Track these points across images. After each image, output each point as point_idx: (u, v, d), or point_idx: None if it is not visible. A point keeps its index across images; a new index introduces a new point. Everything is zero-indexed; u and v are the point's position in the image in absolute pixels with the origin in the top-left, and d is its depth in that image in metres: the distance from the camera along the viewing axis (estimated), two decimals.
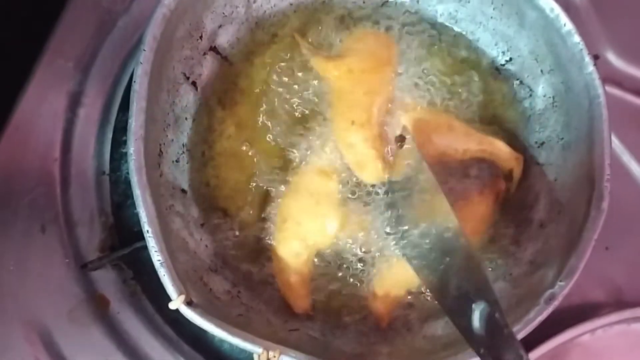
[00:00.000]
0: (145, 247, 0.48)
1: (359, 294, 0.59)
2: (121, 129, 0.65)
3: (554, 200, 0.59)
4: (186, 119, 0.59)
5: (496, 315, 0.45)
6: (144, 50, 0.50)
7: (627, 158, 0.76)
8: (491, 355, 0.45)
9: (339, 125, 0.60)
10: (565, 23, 0.57)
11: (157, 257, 0.47)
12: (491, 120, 0.64)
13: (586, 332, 0.65)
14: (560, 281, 0.52)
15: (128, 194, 0.64)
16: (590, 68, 0.56)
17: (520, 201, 0.62)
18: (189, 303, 0.48)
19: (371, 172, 0.60)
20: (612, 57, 0.79)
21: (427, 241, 0.55)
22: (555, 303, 0.51)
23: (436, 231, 0.54)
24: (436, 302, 0.56)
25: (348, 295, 0.59)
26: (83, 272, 0.62)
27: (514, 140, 0.64)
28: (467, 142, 0.61)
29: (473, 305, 0.47)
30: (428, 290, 0.59)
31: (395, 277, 0.59)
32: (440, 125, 0.61)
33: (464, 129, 0.62)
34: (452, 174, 0.60)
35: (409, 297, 0.60)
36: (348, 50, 0.63)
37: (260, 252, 0.59)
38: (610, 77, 0.78)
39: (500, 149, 0.61)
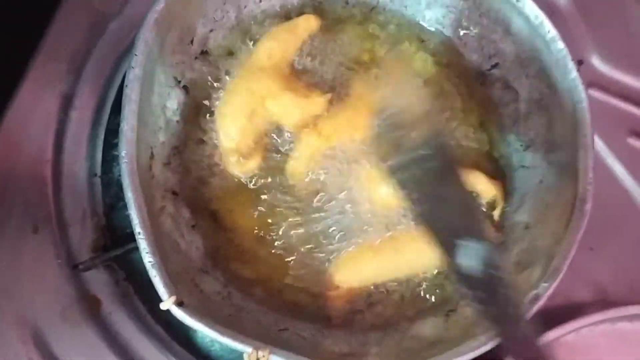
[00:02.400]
0: (137, 248, 0.49)
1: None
2: (113, 131, 0.65)
3: (539, 203, 0.60)
4: (177, 122, 0.60)
5: (486, 255, 0.46)
6: (136, 54, 0.51)
7: (611, 161, 0.76)
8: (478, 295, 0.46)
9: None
10: (549, 30, 0.58)
11: (148, 259, 0.48)
12: (477, 126, 0.65)
13: (571, 331, 0.65)
14: (545, 282, 0.52)
15: (120, 196, 0.64)
16: (574, 74, 0.57)
17: (506, 203, 0.63)
18: (180, 304, 0.48)
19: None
20: (597, 62, 0.80)
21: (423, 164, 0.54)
22: (540, 303, 0.52)
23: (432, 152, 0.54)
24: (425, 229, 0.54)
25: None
26: (75, 273, 0.62)
27: (499, 144, 0.65)
28: None
29: (459, 241, 0.48)
30: (417, 220, 0.57)
31: (356, 266, 0.60)
32: None
33: None
34: None
35: (372, 293, 0.60)
36: None
37: (251, 252, 0.59)
38: (595, 81, 0.79)
39: (479, 181, 0.62)
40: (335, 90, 0.63)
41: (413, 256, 0.59)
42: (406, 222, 0.60)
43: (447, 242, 0.49)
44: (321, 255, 0.60)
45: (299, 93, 0.61)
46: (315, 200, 0.61)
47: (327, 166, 0.61)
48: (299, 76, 0.64)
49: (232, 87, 0.62)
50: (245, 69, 0.62)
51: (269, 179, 0.61)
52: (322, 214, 0.60)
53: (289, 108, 0.61)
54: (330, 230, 0.60)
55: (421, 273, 0.60)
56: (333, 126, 0.61)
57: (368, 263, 0.60)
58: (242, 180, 0.61)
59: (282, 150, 0.62)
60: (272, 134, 0.62)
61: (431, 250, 0.52)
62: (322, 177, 0.61)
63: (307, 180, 0.61)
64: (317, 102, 0.61)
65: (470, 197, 0.52)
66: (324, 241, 0.60)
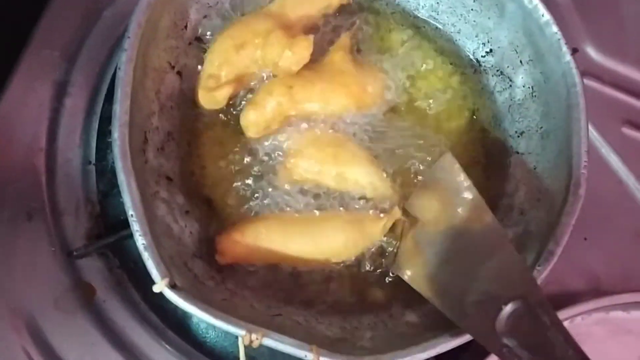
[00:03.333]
0: (131, 236, 0.48)
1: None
2: (107, 119, 0.64)
3: (533, 188, 0.60)
4: (172, 107, 0.59)
5: (534, 309, 0.46)
6: (128, 37, 0.51)
7: (605, 151, 0.77)
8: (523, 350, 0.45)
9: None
10: (543, 14, 0.58)
11: (141, 241, 0.48)
12: (471, 113, 0.66)
13: (565, 319, 0.66)
14: (539, 265, 0.52)
15: (114, 183, 0.63)
16: (568, 57, 0.57)
17: (501, 189, 0.63)
18: (172, 286, 0.48)
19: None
20: (591, 51, 0.80)
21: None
22: None
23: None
24: (447, 316, 0.52)
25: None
26: (69, 261, 0.62)
27: (494, 130, 0.65)
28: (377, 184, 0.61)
29: (503, 307, 0.47)
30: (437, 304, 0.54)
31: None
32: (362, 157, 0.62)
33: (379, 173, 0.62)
34: None
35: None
36: None
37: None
38: (589, 70, 0.79)
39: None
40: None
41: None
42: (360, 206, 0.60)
43: (484, 315, 0.48)
44: None
45: (288, 34, 0.61)
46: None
47: (288, 131, 0.61)
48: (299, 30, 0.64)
49: (230, 24, 0.62)
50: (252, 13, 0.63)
51: None
52: None
53: (275, 45, 0.60)
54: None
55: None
56: (306, 94, 0.60)
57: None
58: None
59: None
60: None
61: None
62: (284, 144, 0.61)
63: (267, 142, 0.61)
64: (302, 43, 0.60)
65: (511, 251, 0.51)
66: None
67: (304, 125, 0.61)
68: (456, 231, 0.55)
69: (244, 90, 0.62)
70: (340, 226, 0.59)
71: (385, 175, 0.61)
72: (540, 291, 0.48)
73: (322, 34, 0.66)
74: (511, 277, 0.50)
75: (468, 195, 0.55)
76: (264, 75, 0.62)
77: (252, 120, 0.59)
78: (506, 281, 0.50)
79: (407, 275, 0.57)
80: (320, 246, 0.58)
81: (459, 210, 0.55)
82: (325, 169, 0.60)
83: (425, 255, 0.56)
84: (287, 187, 0.60)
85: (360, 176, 0.60)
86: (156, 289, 0.47)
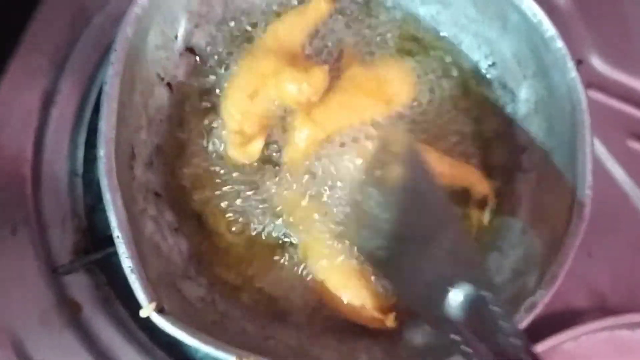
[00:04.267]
0: None
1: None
2: (95, 130, 0.60)
3: (536, 206, 0.59)
4: (160, 120, 0.58)
5: (483, 295, 0.44)
6: (115, 50, 0.49)
7: (610, 164, 0.75)
8: (475, 340, 0.44)
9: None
10: (548, 28, 0.56)
11: (127, 263, 0.46)
12: (473, 127, 0.63)
13: (570, 339, 0.64)
14: (541, 288, 0.51)
15: (101, 197, 0.62)
16: (573, 73, 0.55)
17: (503, 207, 0.61)
18: (160, 310, 0.46)
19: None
20: (596, 62, 0.78)
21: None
22: (536, 311, 0.50)
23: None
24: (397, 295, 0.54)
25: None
26: (54, 276, 0.61)
27: (496, 146, 0.63)
28: (439, 166, 0.59)
29: (450, 289, 0.46)
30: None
31: None
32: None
33: (436, 153, 0.60)
34: None
35: None
36: None
37: (236, 257, 0.58)
38: (594, 81, 0.77)
39: (472, 176, 0.60)
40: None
41: None
42: None
43: (433, 296, 0.47)
44: None
45: (300, 68, 0.59)
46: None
47: (323, 156, 0.59)
48: (303, 59, 0.62)
49: (236, 70, 0.60)
50: (248, 53, 0.61)
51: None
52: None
53: (289, 82, 0.58)
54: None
55: None
56: (326, 113, 0.59)
57: None
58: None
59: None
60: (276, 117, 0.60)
61: None
62: (319, 171, 0.59)
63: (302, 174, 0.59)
64: (317, 75, 0.59)
65: (462, 232, 0.51)
66: None
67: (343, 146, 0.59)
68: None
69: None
70: None
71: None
72: (488, 278, 0.47)
73: (325, 41, 0.64)
74: (459, 258, 0.49)
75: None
76: (285, 110, 0.60)
77: (289, 159, 0.59)
78: (454, 262, 0.49)
79: None
80: None
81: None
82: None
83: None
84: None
85: None
86: (143, 313, 0.46)
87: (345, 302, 0.56)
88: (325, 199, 0.58)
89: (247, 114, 0.59)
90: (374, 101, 0.60)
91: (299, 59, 0.61)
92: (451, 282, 0.46)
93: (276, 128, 0.60)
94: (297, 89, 0.58)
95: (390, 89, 0.61)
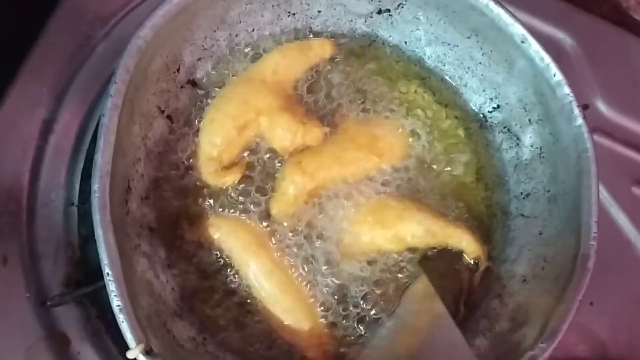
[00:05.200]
0: None
1: None
2: (93, 160, 0.62)
3: (538, 255, 0.57)
4: (159, 153, 0.57)
5: None
6: (115, 82, 0.48)
7: (614, 210, 0.74)
8: None
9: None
10: (555, 73, 0.55)
11: (116, 302, 0.45)
12: (476, 170, 0.63)
13: None
14: (542, 343, 0.49)
15: None
16: (580, 121, 0.54)
17: (503, 253, 0.60)
18: (148, 352, 0.45)
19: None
20: (602, 106, 0.78)
21: None
22: None
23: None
24: None
25: None
26: (44, 308, 0.59)
27: (498, 190, 0.62)
28: (432, 225, 0.59)
29: None
30: None
31: None
32: (405, 209, 0.59)
33: (428, 213, 0.60)
34: None
35: None
36: None
37: (228, 296, 0.56)
38: (600, 126, 0.77)
39: (464, 238, 0.59)
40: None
41: None
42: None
43: None
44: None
45: (297, 118, 0.59)
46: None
47: (311, 206, 0.58)
48: (299, 100, 0.62)
49: (225, 93, 0.59)
50: (242, 78, 0.60)
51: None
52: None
53: (284, 130, 0.58)
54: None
55: None
56: (317, 162, 0.58)
57: None
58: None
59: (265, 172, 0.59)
60: (258, 154, 0.60)
61: None
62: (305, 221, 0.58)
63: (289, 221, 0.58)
64: (314, 133, 0.59)
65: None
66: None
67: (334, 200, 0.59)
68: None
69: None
70: None
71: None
72: None
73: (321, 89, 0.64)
74: None
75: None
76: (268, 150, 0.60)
77: (278, 210, 0.57)
78: None
79: None
80: None
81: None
82: (378, 235, 0.58)
83: None
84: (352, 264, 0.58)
85: (414, 228, 0.58)
86: (130, 355, 0.45)
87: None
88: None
89: (230, 144, 0.58)
90: (367, 155, 0.59)
91: (295, 104, 0.61)
92: None
93: (259, 172, 0.59)
94: (290, 139, 0.58)
95: (384, 145, 0.61)
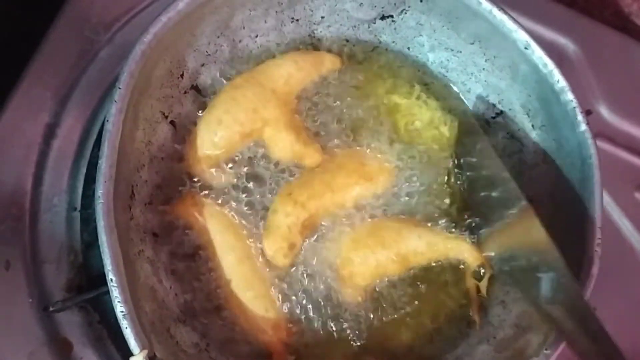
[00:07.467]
0: None
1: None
2: (96, 165, 0.61)
3: None
4: (162, 158, 0.57)
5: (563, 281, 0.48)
6: (119, 88, 0.48)
7: (617, 216, 0.74)
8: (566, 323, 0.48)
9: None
10: (559, 79, 0.55)
11: (120, 308, 0.45)
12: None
13: None
14: (546, 349, 0.49)
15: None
16: (583, 127, 0.54)
17: None
18: (151, 358, 0.45)
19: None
20: (605, 112, 0.78)
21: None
22: None
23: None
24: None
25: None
26: (47, 314, 0.59)
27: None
28: (431, 239, 0.59)
29: (539, 275, 0.50)
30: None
31: None
32: (403, 227, 0.59)
33: (425, 227, 0.60)
34: None
35: None
36: None
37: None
38: (602, 132, 0.76)
39: (464, 249, 0.60)
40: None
41: None
42: None
43: (529, 280, 0.52)
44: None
45: (300, 138, 0.59)
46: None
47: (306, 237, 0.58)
48: (300, 114, 0.62)
49: (234, 95, 0.59)
50: (252, 81, 0.60)
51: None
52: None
53: (286, 149, 0.59)
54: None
55: None
56: (308, 192, 0.58)
57: None
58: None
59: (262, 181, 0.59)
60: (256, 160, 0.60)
61: None
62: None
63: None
64: (314, 158, 0.60)
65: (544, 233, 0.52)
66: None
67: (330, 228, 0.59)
68: None
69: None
70: None
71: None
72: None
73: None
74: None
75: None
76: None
77: (275, 248, 0.56)
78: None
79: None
80: None
81: None
82: (381, 256, 0.58)
83: None
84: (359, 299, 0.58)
85: (415, 243, 0.58)
86: None
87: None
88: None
89: (230, 148, 0.58)
90: (357, 180, 0.59)
91: (298, 121, 0.61)
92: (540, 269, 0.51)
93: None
94: (289, 158, 0.59)
95: (372, 169, 0.61)
